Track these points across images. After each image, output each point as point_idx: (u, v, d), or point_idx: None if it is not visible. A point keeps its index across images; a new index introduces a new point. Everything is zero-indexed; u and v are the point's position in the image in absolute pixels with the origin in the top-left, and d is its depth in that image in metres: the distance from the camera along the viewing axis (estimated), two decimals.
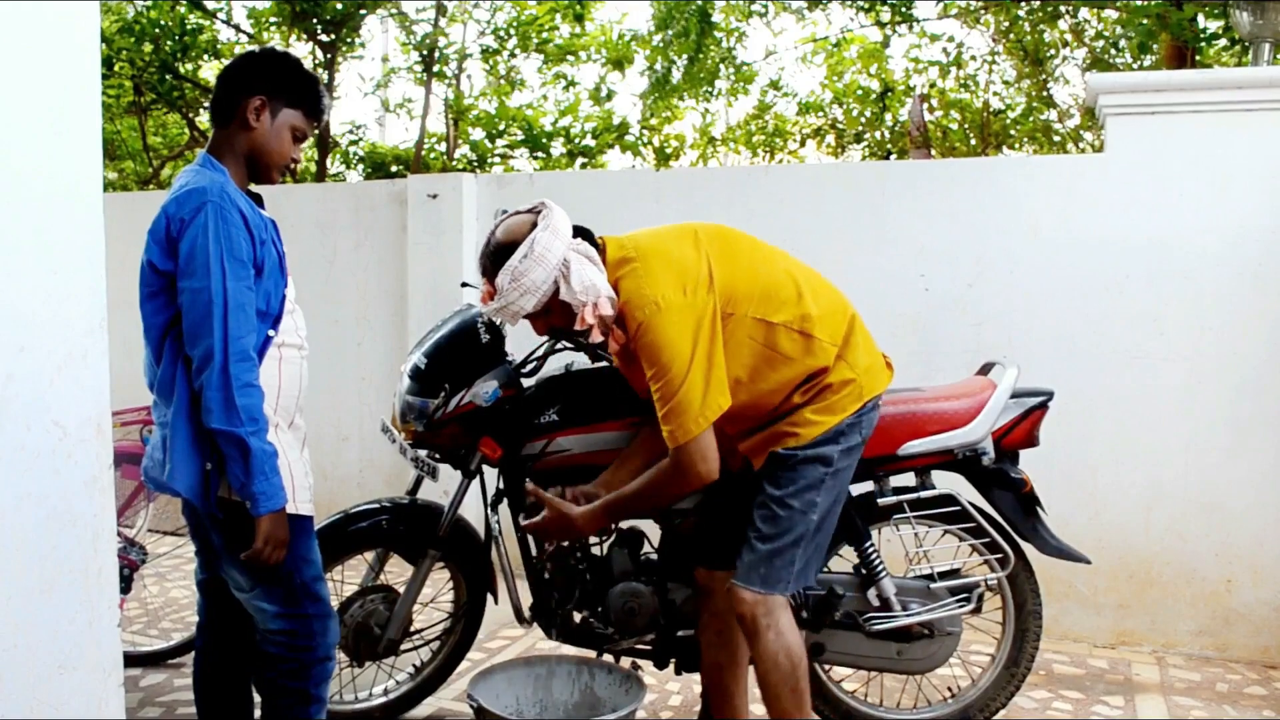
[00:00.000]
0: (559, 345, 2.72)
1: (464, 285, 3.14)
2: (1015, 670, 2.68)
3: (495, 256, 2.13)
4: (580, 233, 2.18)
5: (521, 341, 2.90)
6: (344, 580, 2.86)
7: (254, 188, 2.14)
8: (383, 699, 2.88)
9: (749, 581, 2.21)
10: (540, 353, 2.73)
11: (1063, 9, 7.64)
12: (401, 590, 2.74)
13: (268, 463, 1.93)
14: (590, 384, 2.62)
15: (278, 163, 2.11)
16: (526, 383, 2.71)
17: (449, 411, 2.60)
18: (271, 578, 2.04)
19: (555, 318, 2.17)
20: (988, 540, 2.58)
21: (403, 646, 2.76)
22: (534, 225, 2.12)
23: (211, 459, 1.96)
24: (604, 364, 2.65)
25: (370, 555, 2.85)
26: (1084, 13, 7.80)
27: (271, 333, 2.04)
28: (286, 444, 2.06)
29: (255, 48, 2.16)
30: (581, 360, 2.73)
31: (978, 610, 2.58)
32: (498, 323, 2.71)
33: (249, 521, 1.95)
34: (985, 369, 2.79)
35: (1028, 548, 2.62)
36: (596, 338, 2.11)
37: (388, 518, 2.74)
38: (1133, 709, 3.10)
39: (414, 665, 2.94)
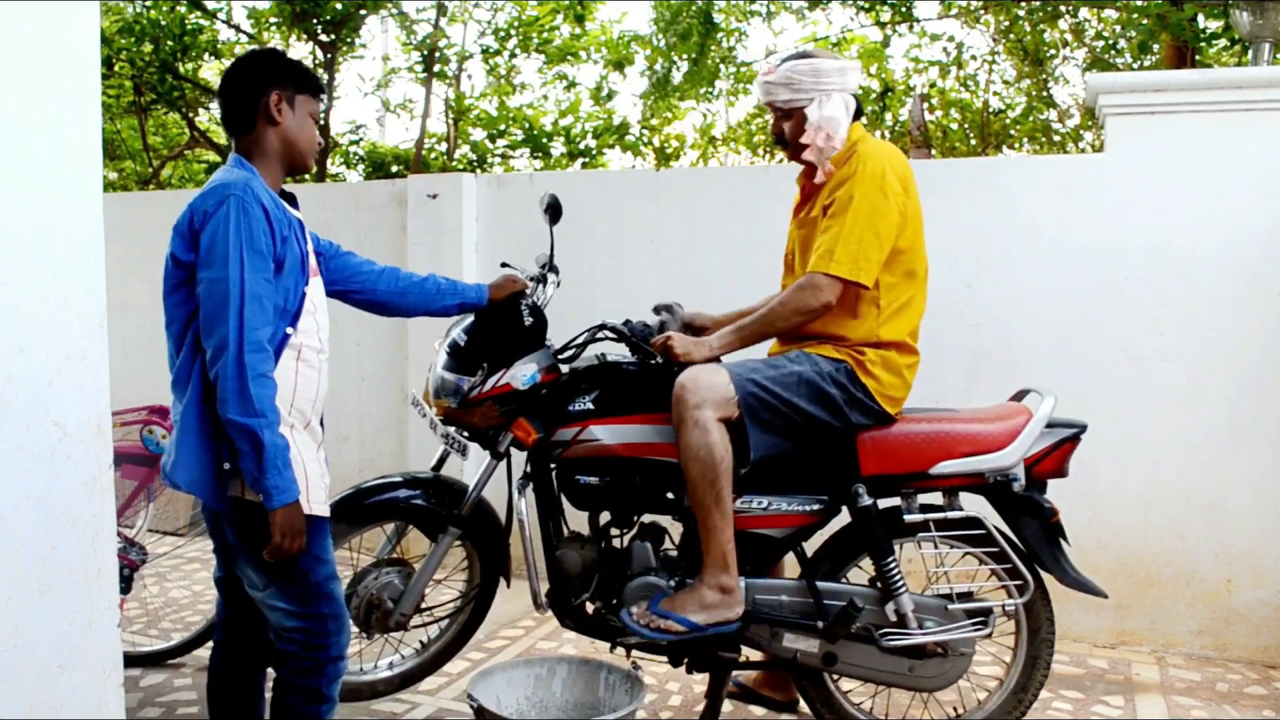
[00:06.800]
0: (600, 335, 2.69)
1: (504, 266, 2.95)
2: (1023, 696, 2.66)
3: (799, 54, 2.63)
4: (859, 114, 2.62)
5: (561, 329, 2.86)
6: (361, 552, 2.84)
7: (289, 186, 2.17)
8: (388, 672, 2.87)
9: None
10: (580, 340, 2.71)
11: (1063, 9, 7.64)
12: (417, 566, 2.72)
13: (280, 456, 1.93)
14: (629, 376, 2.60)
15: (310, 150, 2.18)
16: (564, 369, 2.68)
17: (485, 391, 2.58)
18: (287, 576, 2.05)
19: (793, 126, 2.60)
20: (1009, 566, 2.55)
21: (413, 622, 2.75)
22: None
23: (228, 459, 1.96)
24: (639, 358, 2.63)
25: (389, 528, 2.83)
26: (1084, 13, 7.80)
27: (289, 330, 2.05)
28: (302, 444, 2.07)
29: (242, 52, 2.21)
30: (618, 353, 2.70)
31: (989, 633, 2.57)
32: (541, 306, 2.68)
33: (264, 521, 1.95)
34: (1019, 395, 2.76)
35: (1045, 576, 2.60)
36: (810, 156, 2.56)
37: (409, 491, 2.73)
38: (1133, 709, 3.10)
39: (420, 641, 2.94)
